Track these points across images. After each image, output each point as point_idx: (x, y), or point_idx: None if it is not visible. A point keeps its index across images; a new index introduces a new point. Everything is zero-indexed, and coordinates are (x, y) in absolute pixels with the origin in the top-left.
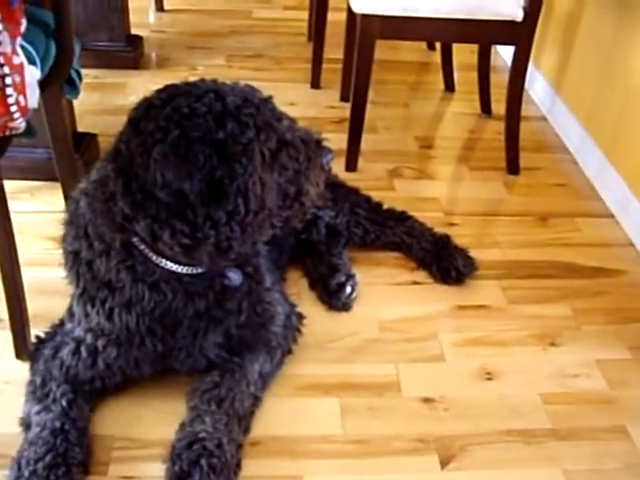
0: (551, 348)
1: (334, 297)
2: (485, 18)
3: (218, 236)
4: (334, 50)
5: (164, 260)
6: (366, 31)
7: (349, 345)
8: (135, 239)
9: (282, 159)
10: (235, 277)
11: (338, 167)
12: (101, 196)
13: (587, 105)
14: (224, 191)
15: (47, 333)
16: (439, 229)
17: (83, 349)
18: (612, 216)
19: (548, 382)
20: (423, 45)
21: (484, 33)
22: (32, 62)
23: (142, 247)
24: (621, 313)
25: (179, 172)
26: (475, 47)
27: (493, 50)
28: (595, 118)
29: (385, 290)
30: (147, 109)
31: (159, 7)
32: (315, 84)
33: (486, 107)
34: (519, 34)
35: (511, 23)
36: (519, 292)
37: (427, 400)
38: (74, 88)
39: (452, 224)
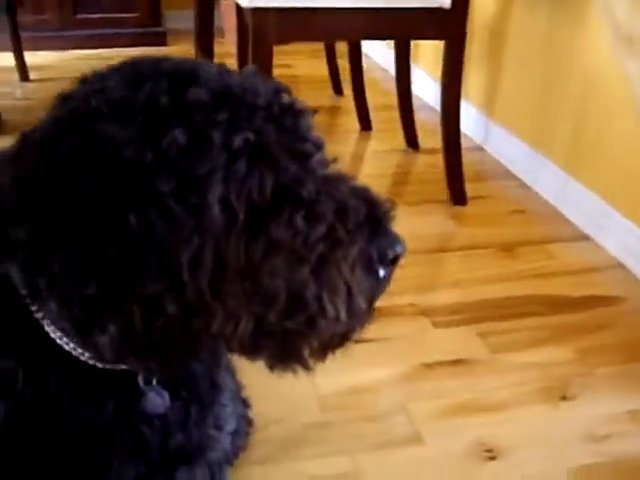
0: (563, 403)
1: None
2: (406, 6)
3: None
4: None
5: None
6: (260, 32)
7: (279, 436)
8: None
9: (275, 227)
10: (157, 403)
11: None
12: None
13: (531, 122)
14: (140, 257)
15: None
16: None
17: None
18: (587, 238)
19: (575, 451)
20: (330, 91)
21: (405, 25)
22: None
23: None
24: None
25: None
26: (391, 86)
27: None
28: (544, 134)
29: None
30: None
31: (23, 77)
32: None
33: (412, 141)
34: (448, 25)
35: (438, 11)
36: (502, 337)
37: None
38: None
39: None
